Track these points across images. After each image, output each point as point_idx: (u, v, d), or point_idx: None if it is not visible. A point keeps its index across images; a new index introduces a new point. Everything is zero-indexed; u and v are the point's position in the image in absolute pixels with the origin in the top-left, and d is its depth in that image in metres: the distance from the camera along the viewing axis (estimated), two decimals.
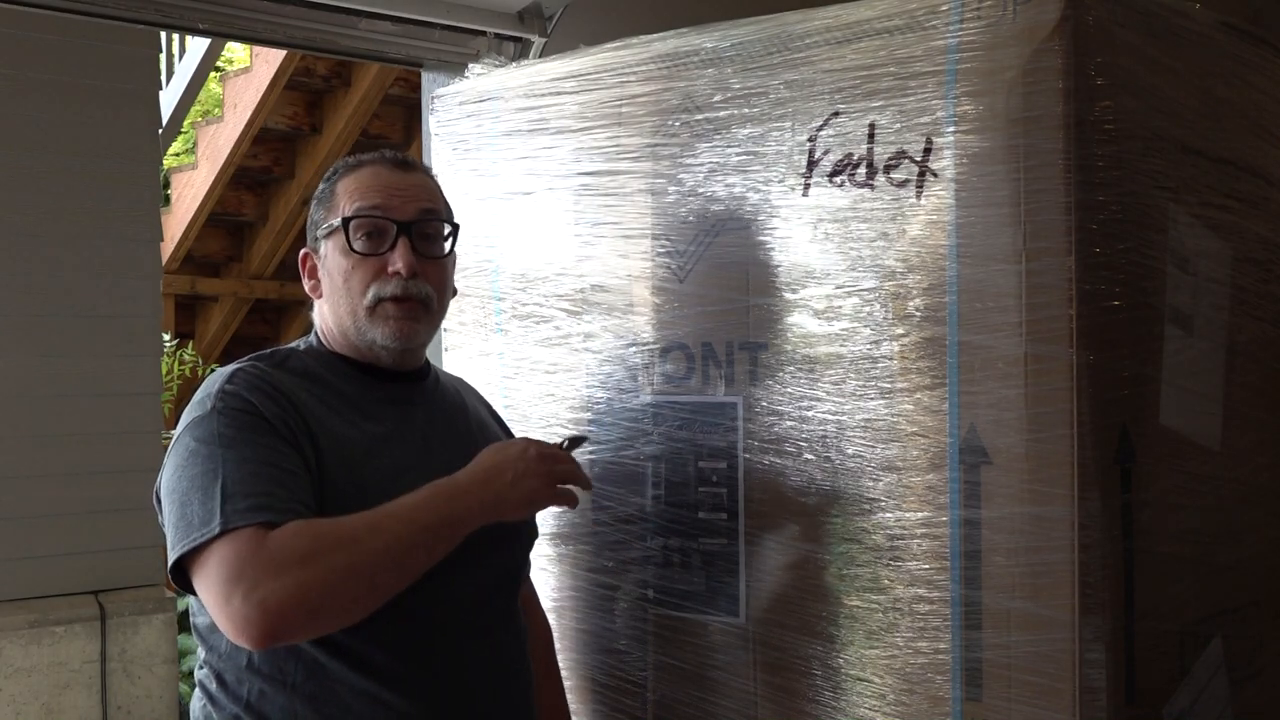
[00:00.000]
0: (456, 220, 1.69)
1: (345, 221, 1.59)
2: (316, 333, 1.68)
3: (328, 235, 1.62)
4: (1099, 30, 1.46)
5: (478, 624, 1.60)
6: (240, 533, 1.36)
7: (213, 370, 1.67)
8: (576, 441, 1.69)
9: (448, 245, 1.67)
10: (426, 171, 1.71)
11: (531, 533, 1.77)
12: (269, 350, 1.65)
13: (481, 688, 1.58)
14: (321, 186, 1.67)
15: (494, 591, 1.64)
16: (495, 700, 1.61)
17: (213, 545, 1.37)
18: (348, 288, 1.60)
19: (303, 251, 1.68)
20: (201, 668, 1.56)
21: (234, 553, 1.35)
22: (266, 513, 1.38)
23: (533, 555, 1.81)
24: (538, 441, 1.58)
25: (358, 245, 1.59)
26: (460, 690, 1.56)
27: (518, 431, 1.91)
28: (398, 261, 1.58)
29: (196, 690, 1.57)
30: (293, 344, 1.68)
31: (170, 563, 1.42)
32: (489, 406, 1.87)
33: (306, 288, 1.67)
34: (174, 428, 1.57)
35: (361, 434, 1.56)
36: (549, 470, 1.54)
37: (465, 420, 1.74)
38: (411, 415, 1.64)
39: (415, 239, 1.60)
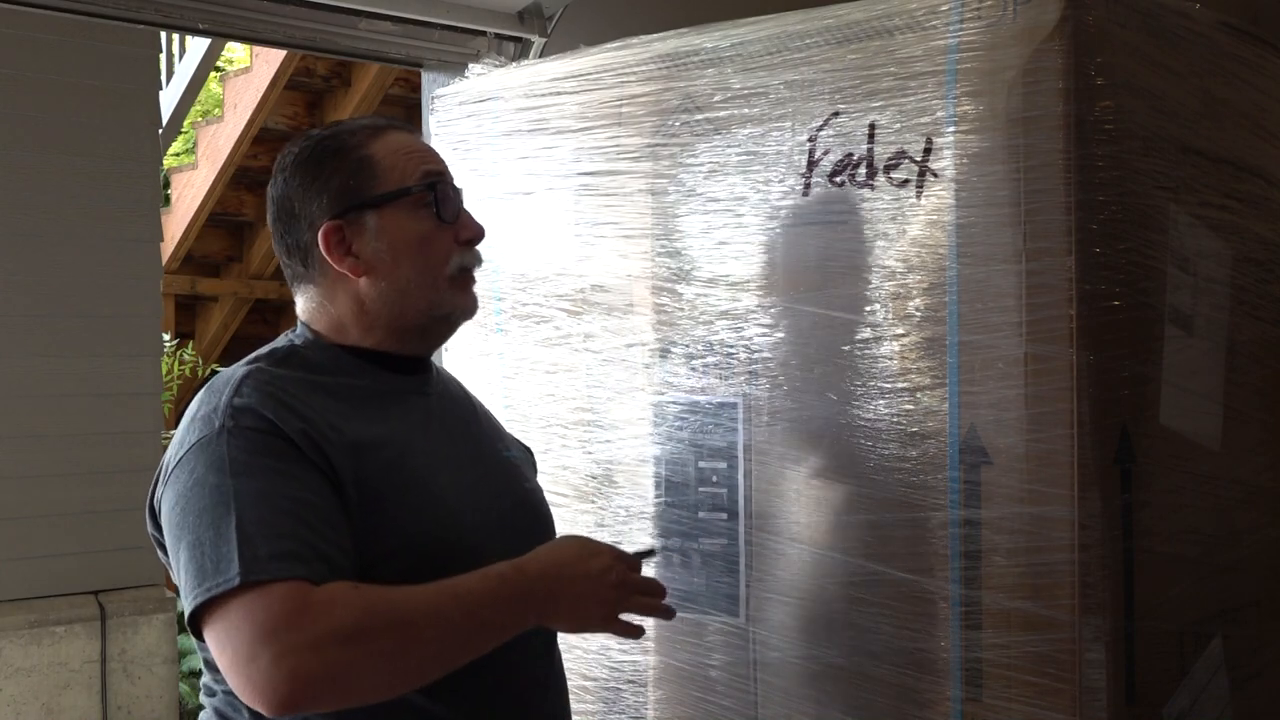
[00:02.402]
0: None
1: (429, 186, 1.47)
2: (308, 326, 1.52)
3: (383, 203, 1.46)
4: (1099, 30, 1.46)
5: (535, 645, 1.51)
6: (271, 588, 1.22)
7: (214, 370, 1.60)
8: (648, 552, 1.56)
9: None
10: None
11: None
12: (266, 350, 1.49)
13: (533, 707, 1.51)
14: (325, 157, 1.49)
15: None
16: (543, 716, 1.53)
17: (235, 597, 1.22)
18: (426, 258, 1.47)
19: (328, 225, 1.46)
20: (213, 694, 1.42)
21: (265, 610, 1.21)
22: (294, 563, 1.24)
23: None
24: (623, 563, 1.44)
25: (444, 213, 1.48)
26: (515, 709, 1.48)
27: (517, 430, 1.91)
28: (475, 228, 1.51)
29: (212, 718, 1.43)
30: (283, 341, 1.52)
31: (187, 613, 1.27)
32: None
33: (341, 266, 1.47)
34: (174, 428, 1.48)
35: (389, 431, 1.44)
36: (619, 603, 1.42)
37: (472, 408, 1.65)
38: (428, 407, 1.53)
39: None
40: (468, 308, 1.53)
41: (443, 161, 1.54)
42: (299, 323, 1.54)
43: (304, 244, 1.49)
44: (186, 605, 1.28)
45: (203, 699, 1.48)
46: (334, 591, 1.24)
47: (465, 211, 1.51)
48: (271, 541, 1.25)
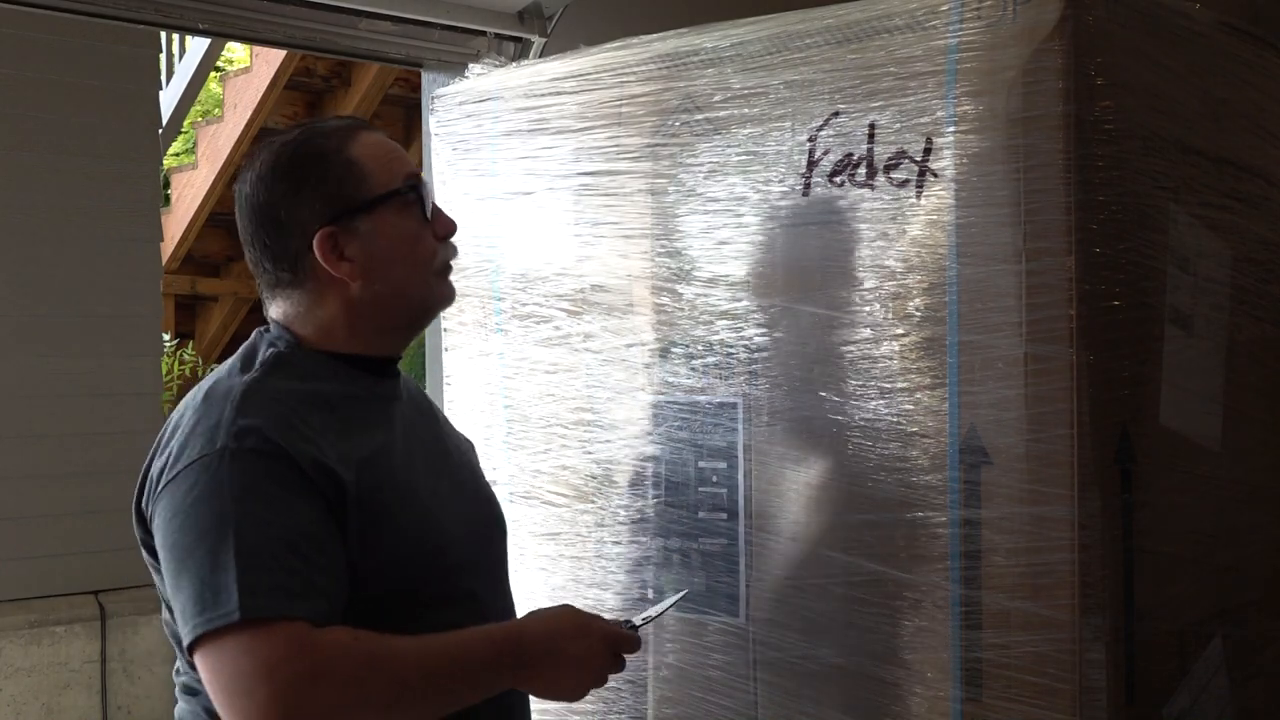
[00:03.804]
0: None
1: (412, 187, 1.49)
2: (289, 330, 1.49)
3: (372, 206, 1.46)
4: (1099, 30, 1.46)
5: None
6: (272, 627, 1.23)
7: (213, 370, 1.58)
8: (640, 624, 1.54)
9: None
10: None
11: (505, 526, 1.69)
12: (255, 359, 1.46)
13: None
14: (308, 162, 1.46)
15: (503, 590, 1.61)
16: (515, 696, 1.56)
17: (233, 631, 1.23)
18: (416, 256, 1.49)
19: (324, 231, 1.44)
20: (197, 694, 1.42)
21: (266, 648, 1.22)
22: (294, 600, 1.25)
23: (533, 555, 1.81)
24: (609, 649, 1.43)
25: (429, 211, 1.51)
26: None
27: (517, 430, 1.91)
28: (450, 225, 1.54)
29: (200, 714, 1.42)
30: (265, 348, 1.48)
31: (186, 641, 1.27)
32: None
33: (338, 271, 1.45)
34: None
35: (380, 442, 1.44)
36: (592, 686, 1.44)
37: (433, 410, 1.66)
38: (402, 413, 1.53)
39: None
40: (451, 297, 1.57)
41: (411, 159, 1.56)
42: (274, 325, 1.51)
43: (293, 251, 1.46)
44: (184, 632, 1.28)
45: (181, 697, 1.48)
46: (336, 637, 1.26)
47: (437, 207, 1.54)
48: (271, 575, 1.26)
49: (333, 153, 1.47)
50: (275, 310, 1.51)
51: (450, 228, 1.54)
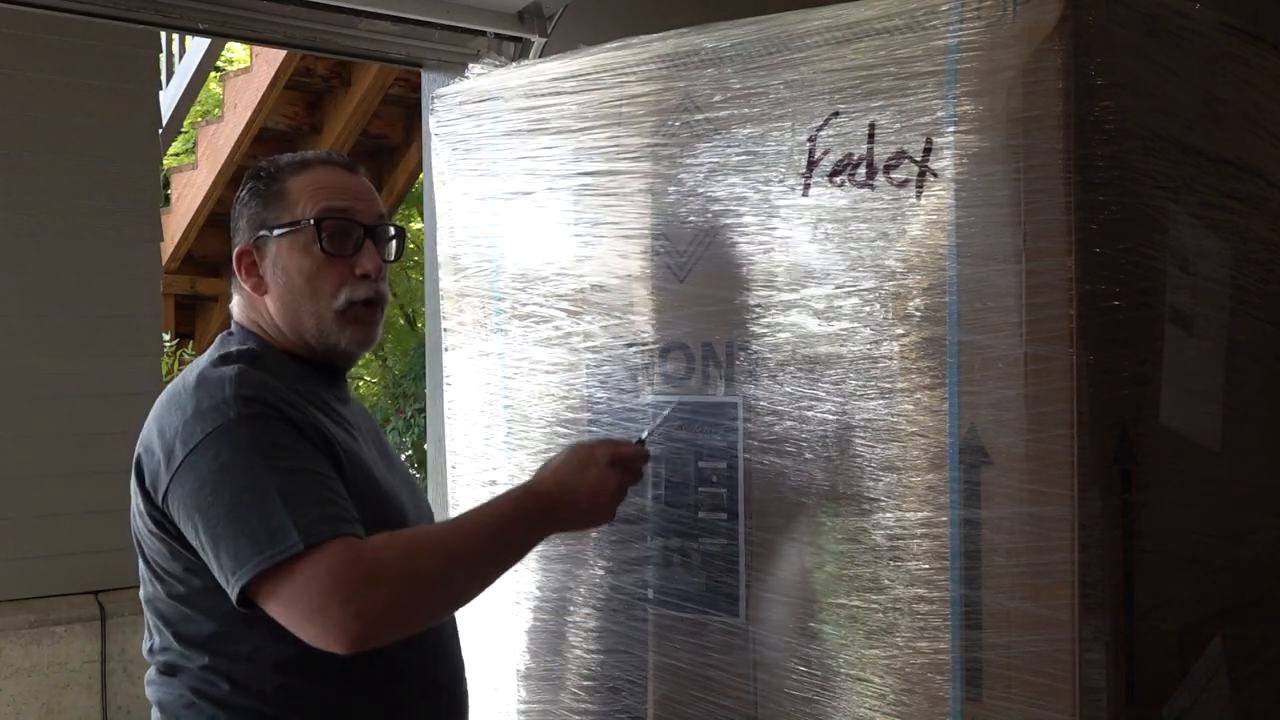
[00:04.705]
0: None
1: (316, 222, 1.59)
2: (255, 332, 1.66)
3: (283, 234, 1.61)
4: (1099, 30, 1.46)
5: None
6: (327, 547, 1.38)
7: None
8: (645, 439, 1.71)
9: (394, 249, 1.73)
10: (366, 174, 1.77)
11: None
12: (230, 353, 1.59)
13: (456, 648, 1.72)
14: (257, 183, 1.65)
15: None
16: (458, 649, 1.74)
17: (297, 560, 1.37)
18: (312, 289, 1.60)
19: (240, 248, 1.65)
20: (175, 672, 1.52)
21: (326, 565, 1.37)
22: (340, 523, 1.41)
23: (533, 554, 1.82)
24: (617, 467, 1.60)
25: (329, 246, 1.60)
26: (447, 653, 1.69)
27: (517, 430, 1.91)
28: (367, 264, 1.61)
29: (185, 695, 1.51)
30: (235, 345, 1.63)
31: (244, 581, 1.39)
32: None
33: (247, 285, 1.64)
34: None
35: (348, 436, 1.59)
36: (616, 503, 1.62)
37: (373, 419, 1.83)
38: (355, 414, 1.70)
39: (375, 242, 1.65)
40: (360, 340, 1.65)
41: (359, 198, 1.65)
42: (238, 328, 1.67)
43: (231, 261, 1.67)
44: (241, 573, 1.39)
45: (159, 679, 1.55)
46: (379, 540, 1.42)
47: (368, 246, 1.63)
48: (316, 507, 1.40)
49: (275, 181, 1.64)
50: (232, 304, 1.70)
51: (365, 269, 1.61)
